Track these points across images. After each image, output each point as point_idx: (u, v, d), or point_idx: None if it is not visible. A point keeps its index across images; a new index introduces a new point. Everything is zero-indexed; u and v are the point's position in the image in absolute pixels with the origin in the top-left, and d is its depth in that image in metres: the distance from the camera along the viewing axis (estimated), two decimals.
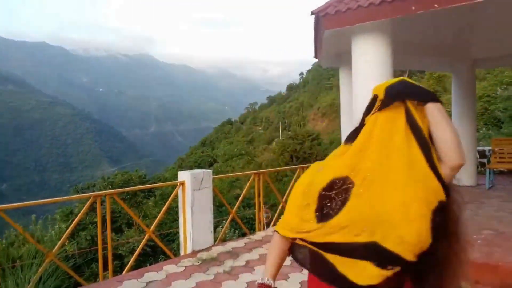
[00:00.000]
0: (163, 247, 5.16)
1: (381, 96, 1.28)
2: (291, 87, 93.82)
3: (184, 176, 4.97)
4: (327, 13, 4.60)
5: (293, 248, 1.36)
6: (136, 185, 16.49)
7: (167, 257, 5.14)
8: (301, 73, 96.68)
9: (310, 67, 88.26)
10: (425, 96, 1.26)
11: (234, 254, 4.75)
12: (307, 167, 1.52)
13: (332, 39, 5.40)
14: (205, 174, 5.07)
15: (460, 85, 8.06)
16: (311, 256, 1.28)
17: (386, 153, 1.22)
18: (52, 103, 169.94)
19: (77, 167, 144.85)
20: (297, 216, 1.31)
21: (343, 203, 1.21)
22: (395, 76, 4.60)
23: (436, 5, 3.97)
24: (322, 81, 71.03)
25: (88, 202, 4.24)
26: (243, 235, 6.18)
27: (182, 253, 4.94)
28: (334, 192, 1.25)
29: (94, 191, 16.49)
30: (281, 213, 4.91)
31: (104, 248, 4.42)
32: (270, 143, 57.46)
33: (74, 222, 4.29)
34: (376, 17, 4.32)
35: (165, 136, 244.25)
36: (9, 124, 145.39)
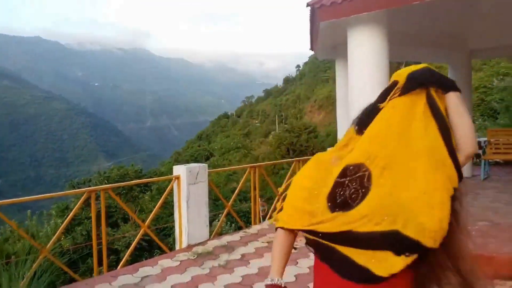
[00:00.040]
0: (158, 241, 5.14)
1: (402, 82, 1.27)
2: (287, 80, 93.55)
3: (179, 170, 4.95)
4: (322, 4, 4.56)
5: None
6: (132, 180, 16.45)
7: (163, 252, 5.13)
8: (298, 66, 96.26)
9: (306, 59, 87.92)
10: (448, 84, 1.26)
11: (229, 248, 4.75)
12: (303, 160, 1.49)
13: (327, 31, 5.36)
14: (201, 168, 5.05)
15: (456, 76, 8.02)
16: (321, 251, 1.24)
17: (405, 140, 1.20)
18: (47, 98, 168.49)
19: (73, 162, 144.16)
20: (303, 207, 1.26)
21: (362, 191, 1.18)
22: (391, 67, 4.58)
23: None
24: (319, 73, 70.79)
25: (83, 198, 4.22)
26: (239, 228, 6.17)
27: (177, 247, 4.93)
28: (348, 179, 1.21)
29: (90, 186, 16.42)
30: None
31: (99, 243, 4.40)
32: (266, 136, 57.48)
33: (68, 218, 4.27)
34: (371, 8, 4.29)
35: (161, 130, 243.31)
36: (4, 120, 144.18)
